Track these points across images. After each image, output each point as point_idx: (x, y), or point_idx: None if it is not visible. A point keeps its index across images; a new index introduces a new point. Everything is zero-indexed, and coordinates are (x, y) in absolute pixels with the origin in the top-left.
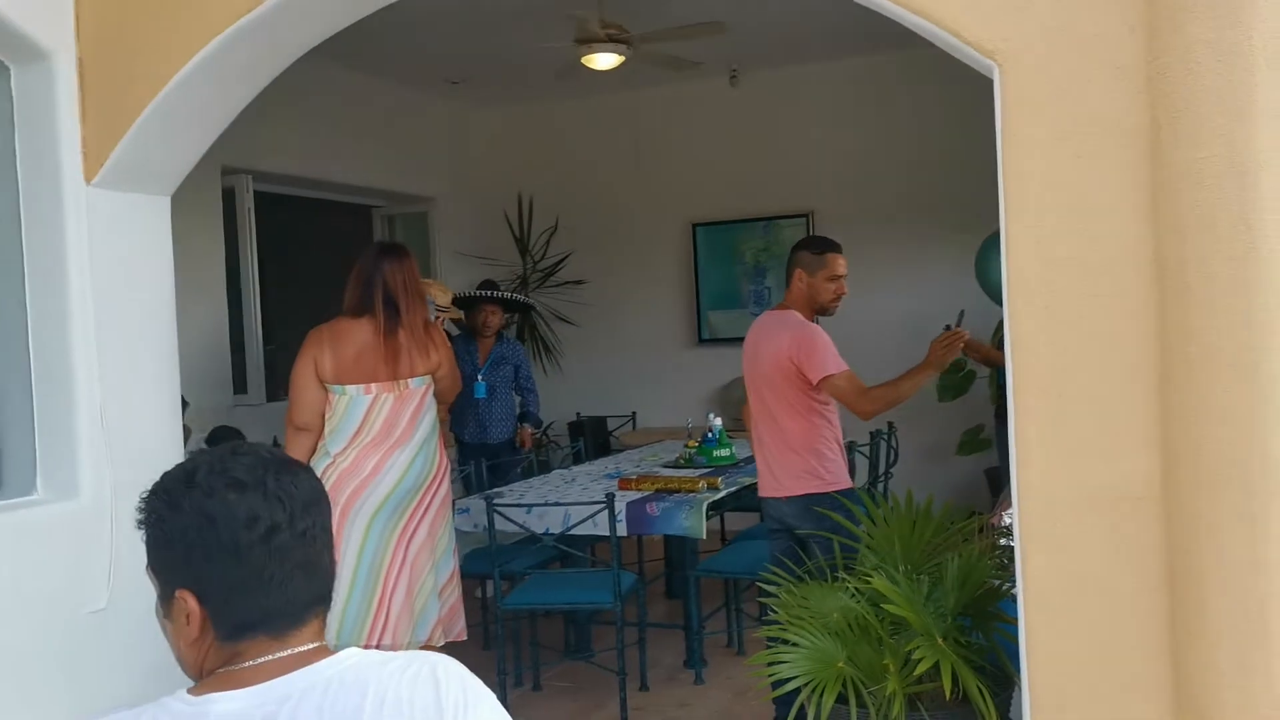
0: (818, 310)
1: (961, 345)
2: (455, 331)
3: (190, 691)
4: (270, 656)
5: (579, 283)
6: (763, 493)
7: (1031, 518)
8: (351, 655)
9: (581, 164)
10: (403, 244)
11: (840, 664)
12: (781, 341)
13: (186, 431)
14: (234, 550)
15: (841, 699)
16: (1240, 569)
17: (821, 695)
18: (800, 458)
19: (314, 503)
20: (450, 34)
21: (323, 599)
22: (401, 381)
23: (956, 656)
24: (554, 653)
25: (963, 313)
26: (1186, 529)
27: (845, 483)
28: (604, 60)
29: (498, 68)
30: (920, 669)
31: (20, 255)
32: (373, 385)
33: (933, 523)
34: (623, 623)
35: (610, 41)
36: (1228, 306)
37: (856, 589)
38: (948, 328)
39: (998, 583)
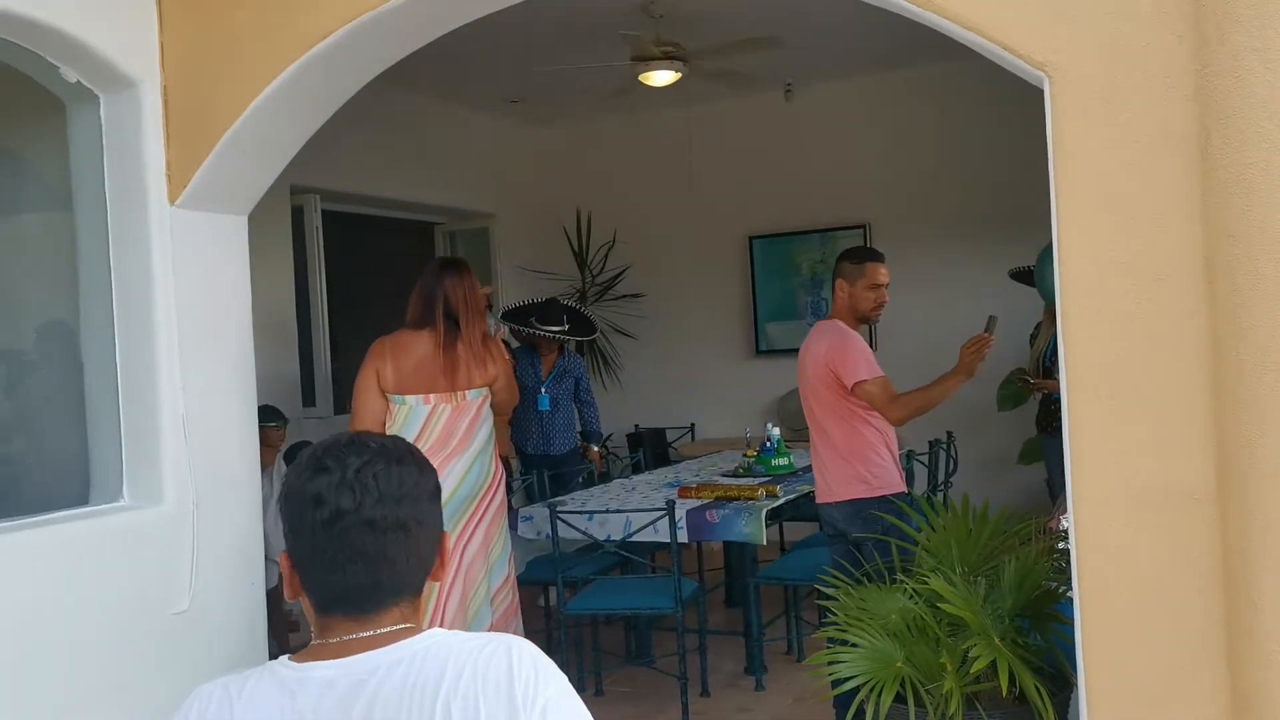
0: (860, 319)
1: (988, 349)
2: (516, 344)
3: (293, 658)
4: (352, 636)
5: (637, 296)
6: (818, 499)
7: (1086, 519)
8: (436, 634)
9: (638, 179)
10: (463, 259)
11: (898, 664)
12: (821, 349)
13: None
14: (299, 527)
15: (900, 699)
16: None
17: (880, 695)
18: (848, 464)
19: (403, 498)
20: (510, 54)
21: (396, 590)
22: (459, 393)
23: (1013, 656)
24: (615, 659)
25: (992, 318)
26: (1240, 529)
27: (896, 487)
28: (661, 77)
29: (556, 86)
30: (977, 667)
31: (108, 272)
32: (431, 396)
33: (989, 526)
34: (684, 629)
35: (666, 59)
36: (1277, 307)
37: (914, 591)
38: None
39: (1055, 585)
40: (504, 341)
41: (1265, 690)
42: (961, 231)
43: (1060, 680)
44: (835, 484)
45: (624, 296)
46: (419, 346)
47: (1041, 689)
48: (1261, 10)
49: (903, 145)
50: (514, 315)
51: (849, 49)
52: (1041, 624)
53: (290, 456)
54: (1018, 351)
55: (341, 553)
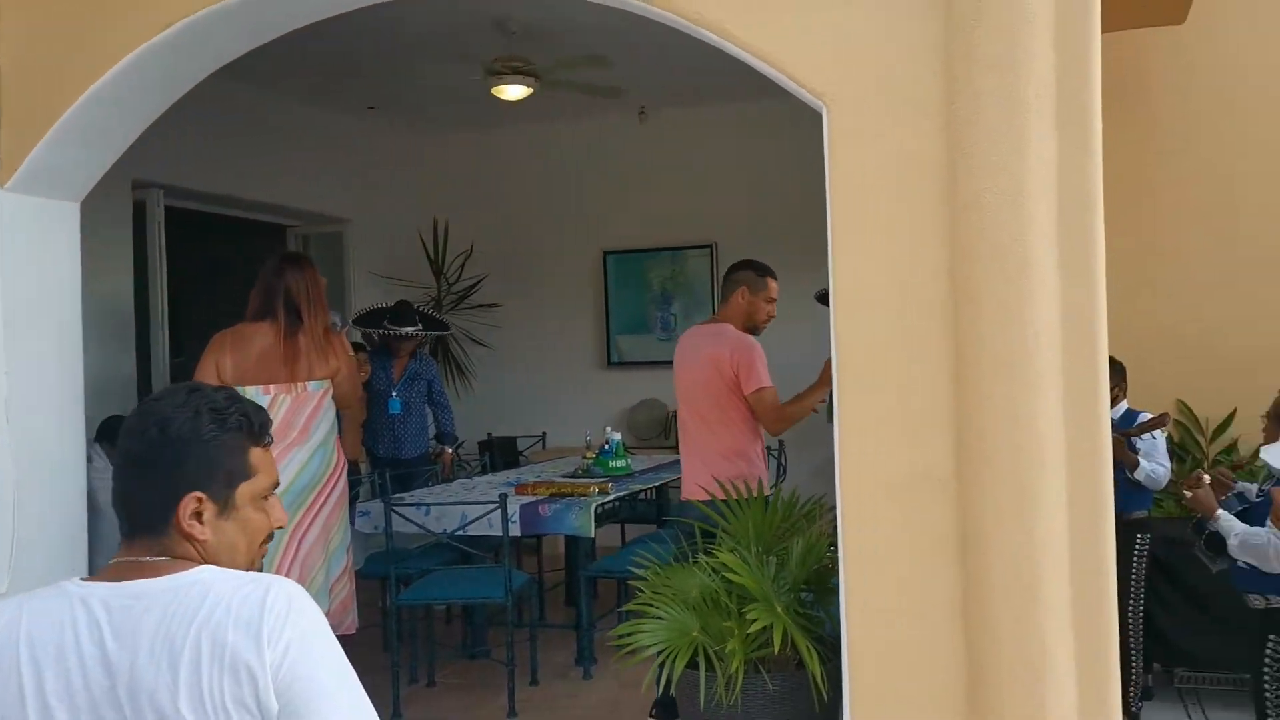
0: (750, 328)
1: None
2: (369, 348)
3: (84, 579)
4: (131, 560)
5: (493, 305)
6: (689, 496)
7: (851, 498)
8: (206, 570)
9: (496, 191)
10: (305, 255)
11: (694, 633)
12: (723, 351)
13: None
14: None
15: (695, 665)
16: (1015, 539)
17: (675, 660)
18: (732, 464)
19: (166, 442)
20: (371, 61)
21: (135, 529)
22: (299, 384)
23: (791, 622)
24: (450, 651)
25: None
26: (975, 506)
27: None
28: (513, 92)
29: (415, 95)
30: (753, 629)
31: None
32: (271, 386)
33: (781, 508)
34: (514, 618)
35: (518, 74)
36: (1006, 317)
37: (714, 568)
38: None
39: (834, 561)
40: (359, 346)
41: (991, 649)
42: (800, 254)
43: (837, 646)
44: (712, 483)
45: (480, 306)
46: (260, 338)
47: (814, 651)
48: (999, 56)
49: (746, 171)
50: (366, 319)
51: (696, 79)
52: (824, 596)
53: (104, 431)
54: None
55: (117, 486)
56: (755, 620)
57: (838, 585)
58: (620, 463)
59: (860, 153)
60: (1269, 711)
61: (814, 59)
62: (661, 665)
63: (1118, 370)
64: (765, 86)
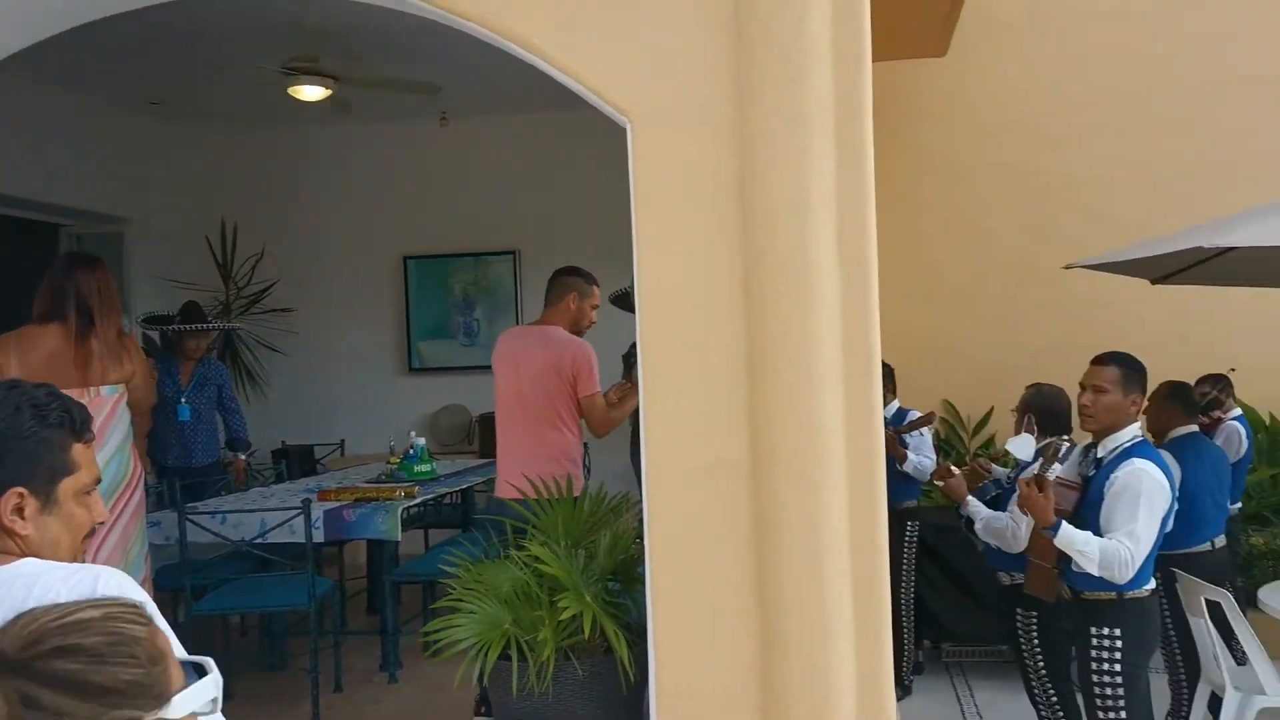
0: (576, 332)
1: None
2: (153, 353)
3: None
4: None
5: (286, 310)
6: (508, 495)
7: (656, 486)
8: (30, 562)
9: (292, 193)
10: (97, 255)
11: (506, 625)
12: (564, 353)
13: None
14: None
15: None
16: (801, 523)
17: (487, 652)
18: (559, 465)
19: None
20: (152, 54)
21: None
22: (93, 389)
23: (600, 610)
24: (248, 663)
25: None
26: (766, 493)
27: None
28: (310, 92)
29: (204, 91)
30: (564, 616)
31: None
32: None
33: (589, 504)
34: (318, 626)
35: (316, 75)
36: (792, 320)
37: (525, 562)
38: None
39: (640, 551)
40: (144, 351)
41: (784, 614)
42: (600, 259)
43: (642, 631)
44: (538, 482)
45: (272, 311)
46: (48, 341)
47: (622, 636)
48: (784, 80)
49: (550, 178)
50: (153, 322)
51: (500, 87)
52: (630, 585)
53: None
54: None
55: None
56: (566, 609)
57: (643, 574)
58: (425, 467)
59: (661, 166)
60: (1030, 676)
61: (619, 77)
62: (474, 660)
63: (886, 373)
64: (568, 97)
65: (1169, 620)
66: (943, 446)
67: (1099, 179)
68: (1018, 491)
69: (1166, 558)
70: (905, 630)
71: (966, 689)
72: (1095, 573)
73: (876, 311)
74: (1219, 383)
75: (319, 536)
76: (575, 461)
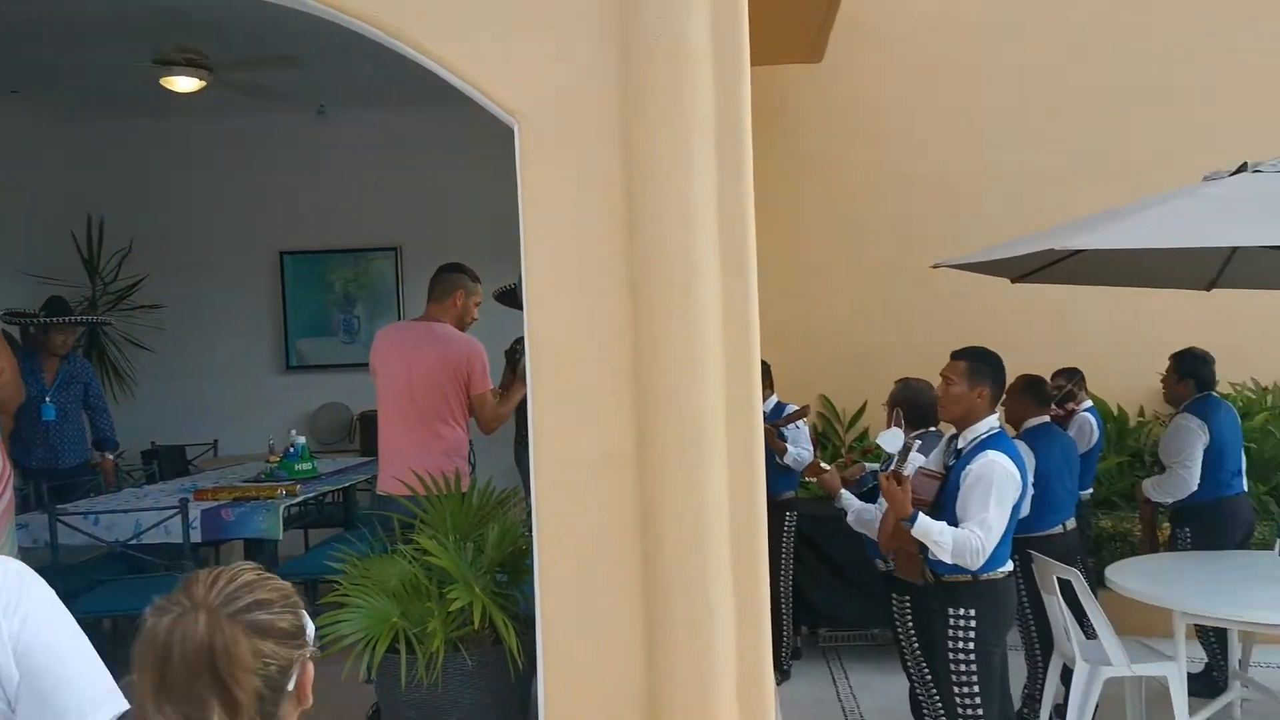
0: (460, 329)
1: None
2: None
3: None
4: None
5: (155, 307)
6: (396, 490)
7: (545, 477)
8: None
9: (163, 187)
10: None
11: (394, 619)
12: (458, 350)
13: None
14: None
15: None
16: (684, 513)
17: (375, 646)
18: (450, 461)
19: None
20: (9, 39)
21: None
22: None
23: (489, 600)
24: (125, 670)
25: (517, 340)
26: (652, 484)
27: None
28: (184, 83)
29: (69, 81)
30: (453, 607)
31: None
32: None
33: (477, 498)
34: None
35: (190, 65)
36: (675, 317)
37: (413, 555)
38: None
39: (528, 544)
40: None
41: (667, 596)
42: (485, 256)
43: (531, 622)
44: (413, 476)
45: (141, 307)
46: None
47: (511, 626)
48: (666, 88)
49: (432, 174)
50: (14, 317)
51: (380, 82)
52: (518, 576)
53: None
54: None
55: None
56: (455, 600)
57: (531, 566)
58: (307, 465)
59: (549, 167)
60: (906, 656)
61: (507, 79)
62: (362, 654)
63: (765, 368)
64: (451, 93)
65: (1025, 599)
66: (820, 439)
67: (964, 183)
68: (881, 487)
69: (1023, 540)
70: (784, 617)
71: (842, 671)
72: (949, 560)
73: (756, 309)
74: (1073, 376)
75: (196, 537)
76: (464, 457)
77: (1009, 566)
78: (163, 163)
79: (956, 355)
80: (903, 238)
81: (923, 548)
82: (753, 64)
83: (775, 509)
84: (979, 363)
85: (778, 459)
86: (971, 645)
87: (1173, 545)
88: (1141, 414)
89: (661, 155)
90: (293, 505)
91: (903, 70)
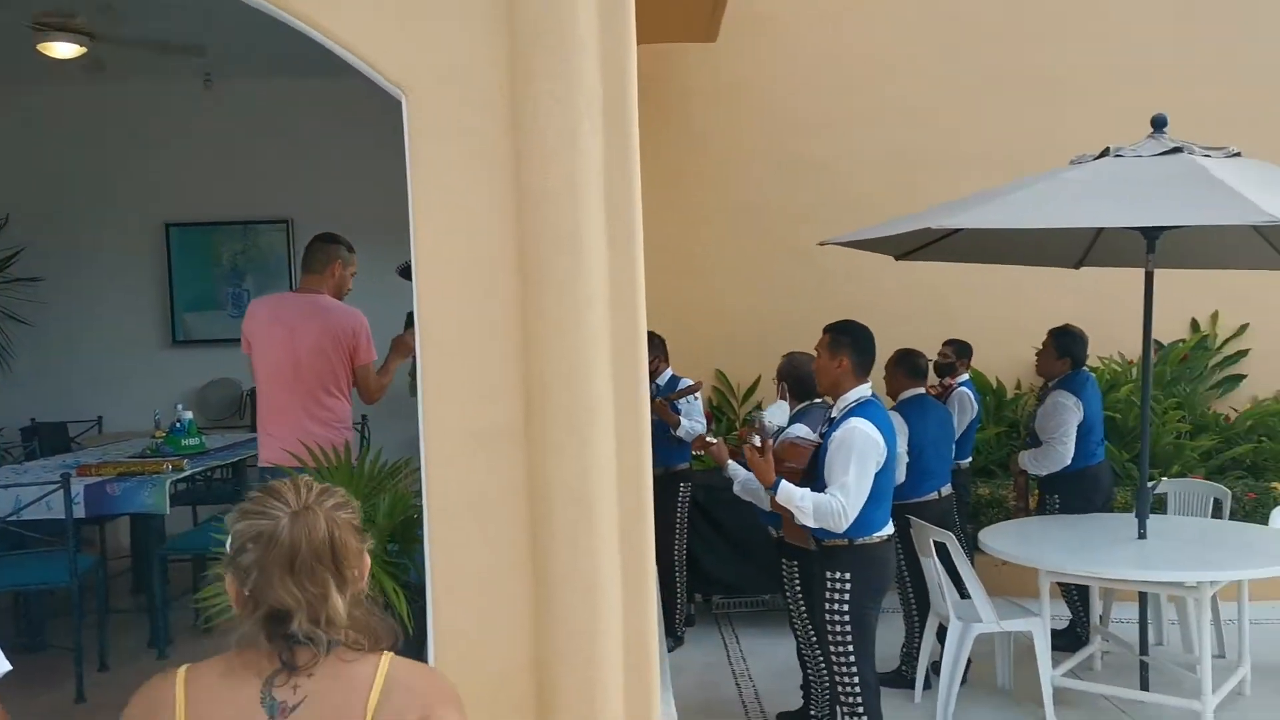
0: (337, 298)
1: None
2: None
3: None
4: None
5: (34, 280)
6: (279, 461)
7: (434, 449)
8: None
9: (39, 156)
10: None
11: None
12: (344, 322)
13: None
14: None
15: None
16: (573, 482)
17: None
18: (337, 432)
19: None
20: None
21: None
22: None
23: (379, 569)
24: (3, 645)
25: (410, 314)
26: (540, 455)
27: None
28: (63, 49)
29: None
30: None
31: None
32: None
33: (368, 468)
34: (80, 605)
35: (69, 31)
36: (563, 291)
37: None
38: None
39: (418, 514)
40: None
41: (553, 556)
42: (380, 230)
43: (421, 589)
44: (301, 447)
45: (18, 280)
46: None
47: (401, 594)
48: (553, 68)
49: (324, 146)
50: None
51: (268, 50)
52: (409, 545)
53: None
54: None
55: None
56: None
57: (422, 535)
58: (193, 440)
59: (437, 142)
60: (794, 618)
61: (394, 51)
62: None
63: (660, 343)
64: (340, 64)
65: (903, 562)
66: (715, 413)
67: (851, 164)
68: (749, 459)
69: (900, 506)
70: (678, 585)
71: (733, 637)
72: (812, 524)
73: (642, 283)
74: (963, 350)
75: (80, 512)
76: (349, 427)
77: (887, 531)
78: (41, 131)
79: (824, 329)
80: (793, 215)
81: None
82: (646, 41)
83: (670, 480)
84: (838, 334)
85: (672, 431)
86: (846, 607)
87: (1042, 510)
88: (1019, 387)
89: (549, 135)
90: (179, 481)
91: (795, 53)
